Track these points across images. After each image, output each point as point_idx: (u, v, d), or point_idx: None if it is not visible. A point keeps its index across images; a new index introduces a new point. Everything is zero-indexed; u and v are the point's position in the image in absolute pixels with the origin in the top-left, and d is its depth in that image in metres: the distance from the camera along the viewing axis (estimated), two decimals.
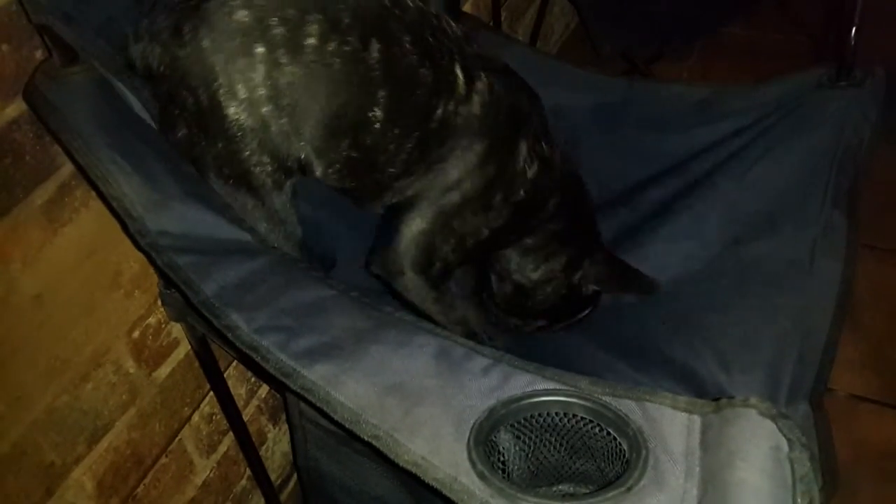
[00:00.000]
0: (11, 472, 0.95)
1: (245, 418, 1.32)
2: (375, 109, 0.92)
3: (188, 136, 0.91)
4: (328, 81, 0.89)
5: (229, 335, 0.70)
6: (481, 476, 0.56)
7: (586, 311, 1.21)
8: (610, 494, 0.54)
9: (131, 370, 1.09)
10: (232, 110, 0.88)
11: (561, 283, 1.16)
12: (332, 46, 0.88)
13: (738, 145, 1.18)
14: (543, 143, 1.06)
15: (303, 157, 0.94)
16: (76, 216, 0.98)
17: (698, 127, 1.23)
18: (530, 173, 1.04)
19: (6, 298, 0.91)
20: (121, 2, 0.91)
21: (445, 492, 0.56)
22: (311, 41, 0.87)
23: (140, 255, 1.06)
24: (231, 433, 1.31)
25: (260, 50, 0.86)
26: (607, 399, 0.62)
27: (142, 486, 1.15)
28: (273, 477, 1.44)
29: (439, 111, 0.95)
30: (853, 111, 1.12)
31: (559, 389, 0.63)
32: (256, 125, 0.89)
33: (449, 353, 0.68)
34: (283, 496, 1.50)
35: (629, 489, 0.54)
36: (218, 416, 1.28)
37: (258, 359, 0.69)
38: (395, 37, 0.91)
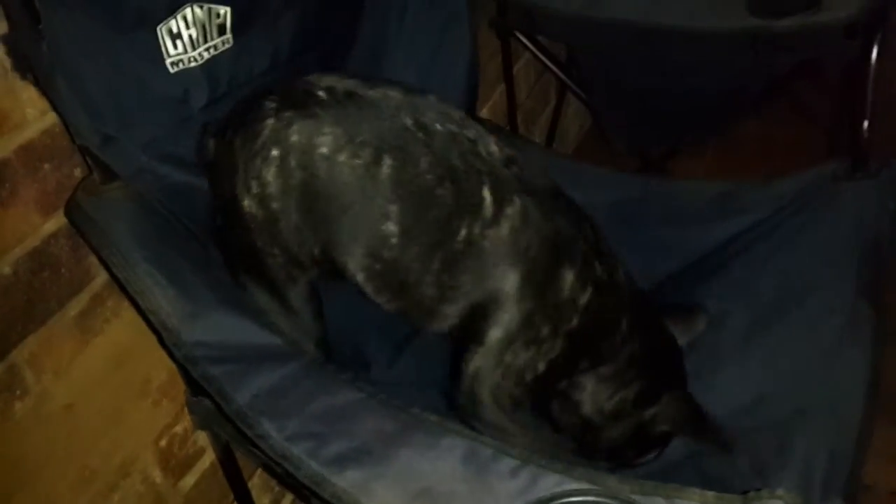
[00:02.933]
0: None
1: None
2: (388, 224, 0.94)
3: (222, 224, 1.02)
4: (335, 189, 0.95)
5: (262, 444, 0.71)
6: None
7: (651, 456, 1.10)
8: None
9: (158, 480, 1.10)
10: (246, 203, 0.96)
11: (631, 420, 1.08)
12: (342, 157, 0.94)
13: (758, 238, 1.20)
14: (598, 265, 1.01)
15: (317, 253, 0.98)
16: (107, 326, 1.01)
17: (717, 221, 1.25)
18: (582, 300, 0.99)
19: (38, 409, 0.93)
20: (164, 124, 0.97)
21: None
22: (323, 150, 0.94)
23: (169, 364, 1.08)
24: None
25: (274, 153, 0.95)
26: (637, 498, 0.62)
27: None
28: None
29: (463, 232, 0.95)
30: (871, 202, 1.14)
31: (588, 489, 0.63)
32: (267, 219, 0.97)
33: (477, 454, 0.68)
34: None
35: None
36: None
37: (290, 468, 0.69)
38: (411, 156, 0.94)
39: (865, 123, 1.21)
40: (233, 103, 1.01)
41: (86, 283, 0.98)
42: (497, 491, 0.64)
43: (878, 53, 1.22)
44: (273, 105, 0.95)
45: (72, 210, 0.90)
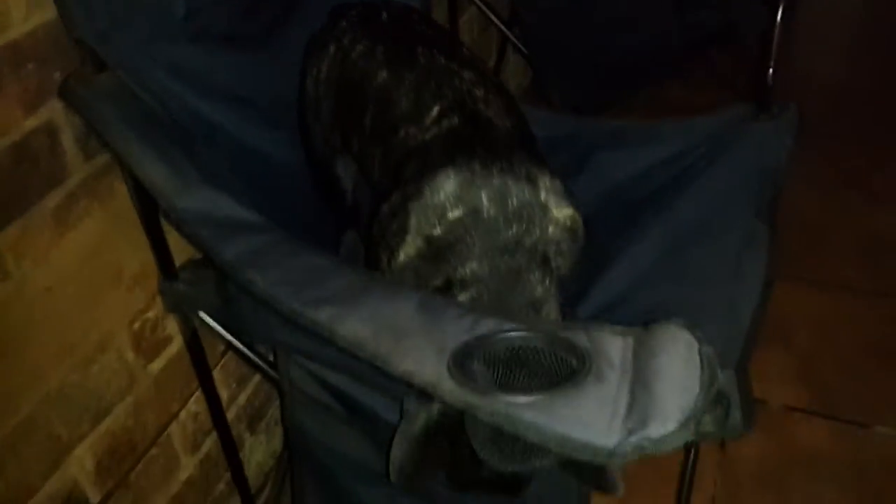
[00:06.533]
0: (25, 441, 1.02)
1: None
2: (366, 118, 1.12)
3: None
4: (349, 86, 1.17)
5: (250, 288, 0.82)
6: (459, 383, 0.68)
7: None
8: (562, 386, 0.67)
9: (130, 359, 1.18)
10: (308, 80, 1.25)
11: None
12: (360, 63, 1.15)
13: (675, 166, 1.35)
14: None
15: (340, 141, 1.21)
16: (80, 223, 1.07)
17: (639, 150, 1.40)
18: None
19: (20, 290, 1.00)
20: (149, 29, 1.04)
21: (430, 391, 0.68)
22: (353, 55, 1.17)
23: (141, 256, 1.16)
24: (213, 434, 1.39)
25: (332, 49, 1.21)
26: (563, 333, 0.75)
27: (133, 474, 1.22)
28: None
29: (401, 133, 1.07)
30: (771, 138, 1.31)
31: (522, 327, 0.76)
32: (315, 98, 1.24)
33: (430, 303, 0.81)
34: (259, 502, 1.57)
35: (576, 384, 0.67)
36: (202, 416, 1.36)
37: (275, 305, 0.80)
38: (400, 73, 1.10)
39: (770, 72, 1.36)
40: (214, 15, 1.10)
41: (63, 180, 1.03)
42: (447, 328, 0.76)
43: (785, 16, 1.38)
44: (354, 12, 1.21)
45: (66, 92, 0.97)
